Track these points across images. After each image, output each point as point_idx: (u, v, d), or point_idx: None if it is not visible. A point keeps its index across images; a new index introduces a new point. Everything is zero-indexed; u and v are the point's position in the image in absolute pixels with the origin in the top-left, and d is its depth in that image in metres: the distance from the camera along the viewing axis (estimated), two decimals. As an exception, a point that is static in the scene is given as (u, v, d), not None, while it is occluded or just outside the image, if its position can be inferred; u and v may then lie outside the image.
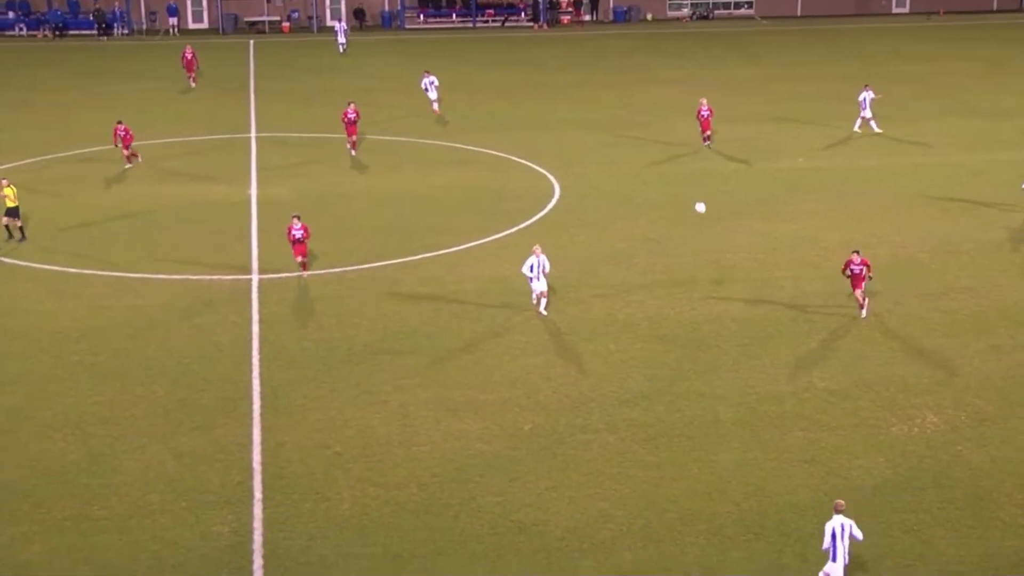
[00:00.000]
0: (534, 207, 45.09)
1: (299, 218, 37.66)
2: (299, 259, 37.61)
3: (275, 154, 53.48)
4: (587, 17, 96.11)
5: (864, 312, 34.17)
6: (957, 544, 23.68)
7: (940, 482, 25.90)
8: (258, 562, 23.07)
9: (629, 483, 25.99)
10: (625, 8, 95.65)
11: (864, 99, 55.81)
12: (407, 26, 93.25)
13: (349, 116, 52.55)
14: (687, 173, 49.20)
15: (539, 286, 35.06)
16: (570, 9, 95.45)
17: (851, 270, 34.17)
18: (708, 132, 53.16)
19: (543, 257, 35.01)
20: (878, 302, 35.46)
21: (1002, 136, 55.33)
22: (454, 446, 27.48)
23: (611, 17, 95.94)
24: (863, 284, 34.13)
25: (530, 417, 28.85)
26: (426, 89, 60.26)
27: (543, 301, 35.14)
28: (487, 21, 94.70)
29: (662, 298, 36.17)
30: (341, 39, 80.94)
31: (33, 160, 52.41)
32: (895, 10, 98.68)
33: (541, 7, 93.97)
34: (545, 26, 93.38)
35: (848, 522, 22.09)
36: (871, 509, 24.82)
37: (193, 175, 49.93)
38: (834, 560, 21.93)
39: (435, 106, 59.86)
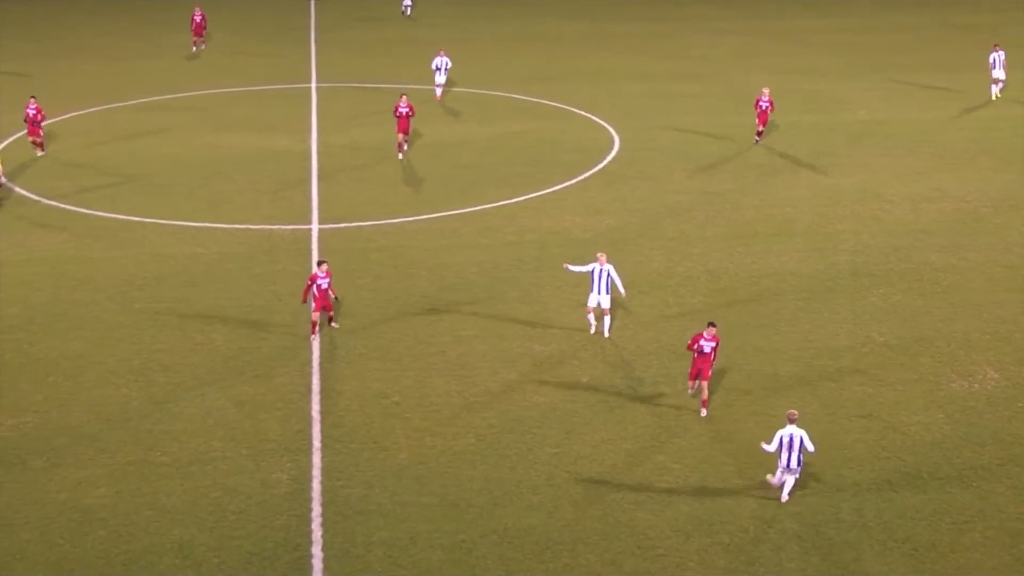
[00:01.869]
0: (593, 159, 44.96)
1: (326, 264, 30.43)
2: (322, 313, 30.47)
3: (336, 104, 53.58)
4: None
5: (704, 412, 26.81)
6: (1017, 501, 23.54)
7: (1000, 438, 25.73)
8: (316, 510, 23.33)
9: (686, 436, 26.01)
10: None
11: (994, 60, 53.07)
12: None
13: (401, 110, 44.80)
14: (747, 125, 48.75)
15: (599, 300, 30.00)
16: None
17: (699, 347, 26.55)
18: (762, 128, 46.34)
19: (608, 267, 29.90)
20: (939, 257, 35.14)
21: (1069, 89, 54.52)
22: (511, 398, 27.59)
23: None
24: (709, 368, 26.59)
25: (587, 369, 28.89)
26: (437, 69, 53.87)
27: (605, 321, 30.44)
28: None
29: (721, 251, 36.02)
30: (407, 1, 75.89)
31: (98, 109, 52.81)
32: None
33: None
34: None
35: (800, 433, 23.17)
36: (929, 465, 24.72)
37: (254, 125, 50.14)
38: (787, 466, 23.23)
39: (438, 91, 53.90)
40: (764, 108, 45.87)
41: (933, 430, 26.13)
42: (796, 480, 23.46)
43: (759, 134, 46.43)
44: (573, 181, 42.47)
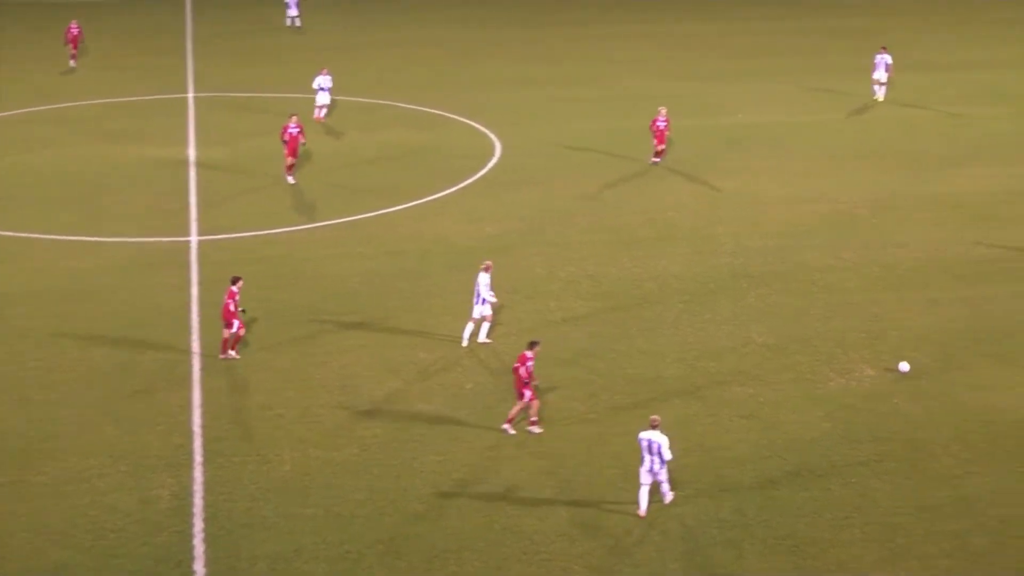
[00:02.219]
0: (475, 166, 44.98)
1: (241, 281, 29.58)
2: (232, 333, 29.31)
3: (215, 114, 52.93)
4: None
5: (508, 427, 26.29)
6: (893, 495, 23.99)
7: (877, 435, 26.20)
8: (199, 525, 23.00)
9: (570, 440, 26.11)
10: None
11: (879, 61, 53.87)
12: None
13: (291, 131, 42.26)
14: (631, 129, 49.12)
15: (480, 310, 30.27)
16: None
17: (515, 368, 26.18)
18: (662, 147, 44.66)
19: (486, 275, 30.12)
20: (817, 257, 35.74)
21: (942, 90, 55.62)
22: (395, 406, 27.48)
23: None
24: (527, 388, 25.94)
25: (471, 376, 28.89)
26: (320, 89, 50.66)
27: (484, 328, 30.60)
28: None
29: (604, 256, 36.24)
30: (292, 11, 71.99)
31: (-33, 122, 51.64)
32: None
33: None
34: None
35: (660, 439, 23.12)
36: (809, 462, 25.10)
37: (130, 137, 49.31)
38: (651, 469, 23.22)
39: (321, 112, 50.79)
40: (661, 127, 44.49)
41: (812, 428, 26.53)
42: (665, 484, 23.36)
43: (658, 154, 44.75)
44: (454, 188, 42.46)
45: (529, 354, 25.94)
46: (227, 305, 29.23)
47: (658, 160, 44.83)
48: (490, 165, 45.35)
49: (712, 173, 43.95)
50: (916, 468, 24.95)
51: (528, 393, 25.90)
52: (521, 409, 26.18)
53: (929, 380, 28.53)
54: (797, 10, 78.77)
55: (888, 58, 53.72)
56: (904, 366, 28.94)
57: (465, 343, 30.38)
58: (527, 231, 38.30)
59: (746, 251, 36.50)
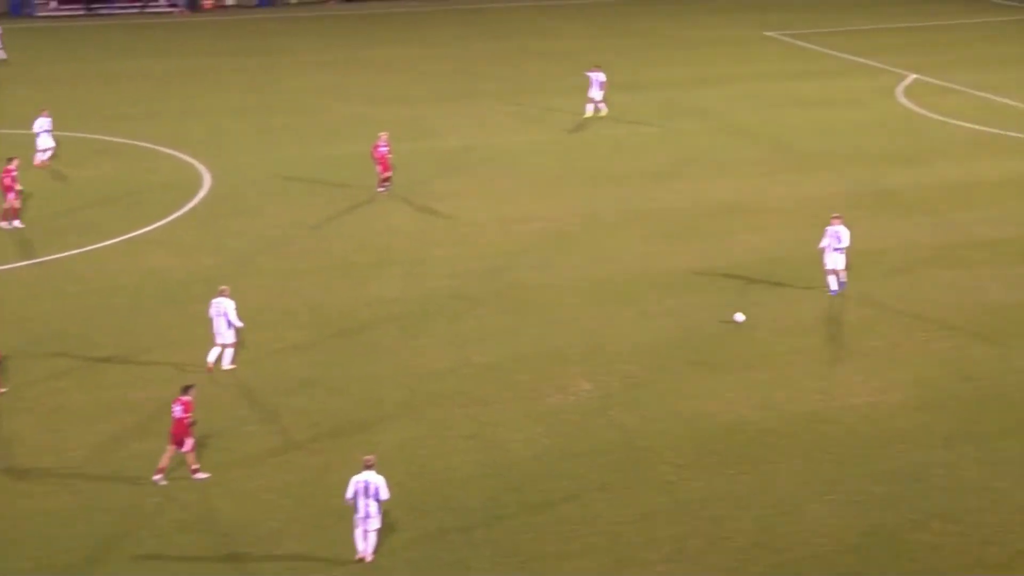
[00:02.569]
0: (184, 197, 43.98)
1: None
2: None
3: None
4: (230, 1, 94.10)
5: (199, 476, 25.22)
6: (615, 506, 24.51)
7: (596, 447, 26.76)
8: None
9: (294, 472, 25.74)
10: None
11: (593, 79, 54.95)
12: (38, 13, 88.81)
13: (12, 174, 40.26)
14: (341, 156, 49.03)
15: (224, 337, 29.89)
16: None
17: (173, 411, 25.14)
18: (388, 174, 44.15)
19: (226, 300, 29.82)
20: (531, 276, 36.33)
21: (642, 108, 57.40)
22: (110, 448, 26.53)
23: (255, 1, 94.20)
24: (185, 433, 24.96)
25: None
26: (42, 131, 47.56)
27: (227, 354, 30.18)
28: (123, 8, 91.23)
29: (320, 283, 35.97)
30: None
31: None
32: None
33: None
34: (186, 11, 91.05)
35: (377, 480, 22.28)
36: (532, 478, 25.42)
37: None
38: (366, 516, 22.22)
39: (41, 157, 47.39)
40: (383, 153, 44.04)
41: (534, 444, 26.90)
42: (378, 531, 22.52)
43: (385, 181, 44.14)
44: (164, 221, 41.41)
45: (185, 399, 24.95)
46: None
47: (385, 188, 44.27)
48: (200, 196, 44.43)
49: (425, 196, 44.19)
50: (635, 477, 25.58)
51: (189, 441, 24.98)
52: (172, 456, 25.09)
53: (643, 391, 29.34)
54: (496, 33, 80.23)
55: (601, 76, 55.18)
56: (739, 317, 31.67)
57: (210, 364, 29.92)
58: (241, 262, 37.66)
59: (461, 273, 36.82)
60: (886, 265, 37.16)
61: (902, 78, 64.26)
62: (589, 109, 55.35)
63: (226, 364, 30.26)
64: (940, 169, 47.40)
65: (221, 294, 30.13)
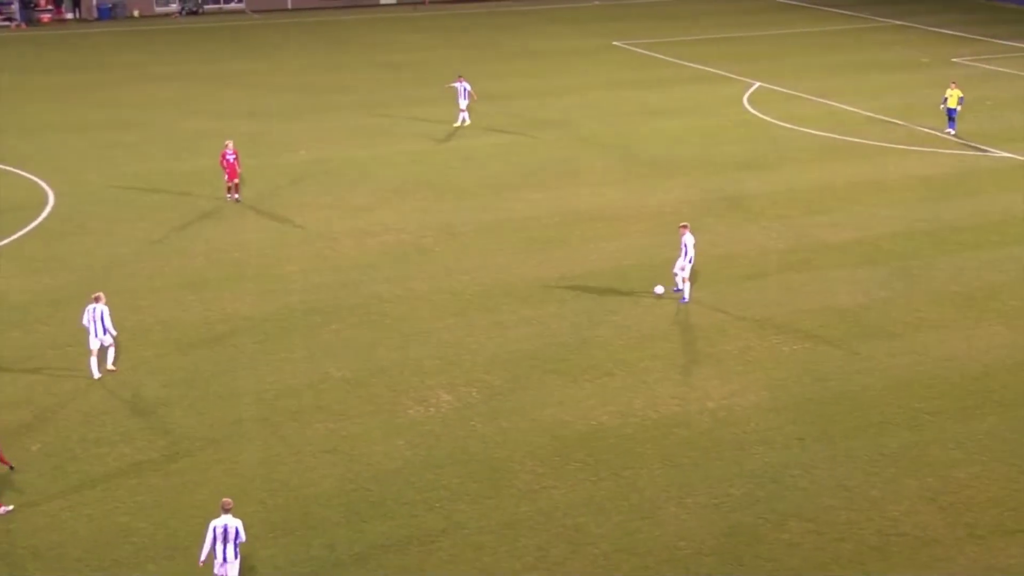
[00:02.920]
0: (27, 217, 42.81)
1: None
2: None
3: None
4: (70, 15, 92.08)
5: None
6: (478, 516, 24.51)
7: (457, 458, 26.72)
8: None
9: (150, 493, 25.22)
10: (110, 5, 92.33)
11: (460, 89, 55.32)
12: None
13: None
14: (188, 171, 48.28)
15: (99, 341, 30.22)
16: (50, 7, 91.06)
17: None
18: (236, 181, 44.34)
19: (102, 306, 30.14)
20: (387, 288, 36.17)
21: (489, 120, 57.59)
22: (-44, 476, 25.70)
23: (95, 15, 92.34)
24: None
25: (38, 436, 27.42)
26: None
27: (110, 354, 30.56)
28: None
29: (173, 301, 35.33)
30: None
31: None
32: (383, 1, 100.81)
33: (17, 5, 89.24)
34: (24, 25, 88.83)
35: (236, 523, 21.50)
36: (394, 491, 25.29)
37: None
38: (224, 561, 21.38)
39: None
40: (231, 161, 43.84)
41: (395, 457, 26.76)
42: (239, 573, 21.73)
43: (234, 189, 44.37)
44: (5, 242, 40.28)
45: None
46: None
47: (233, 196, 44.41)
48: (44, 215, 43.32)
49: (277, 211, 43.73)
50: (497, 487, 25.62)
51: None
52: None
53: (502, 400, 29.39)
54: (340, 47, 79.84)
55: (467, 85, 55.53)
56: (659, 289, 33.91)
57: (96, 375, 30.15)
58: (89, 281, 36.76)
59: (316, 287, 36.49)
60: (737, 270, 37.81)
61: (748, 86, 65.57)
62: (460, 118, 55.63)
63: (110, 364, 30.57)
64: (787, 175, 48.43)
65: (96, 300, 30.18)
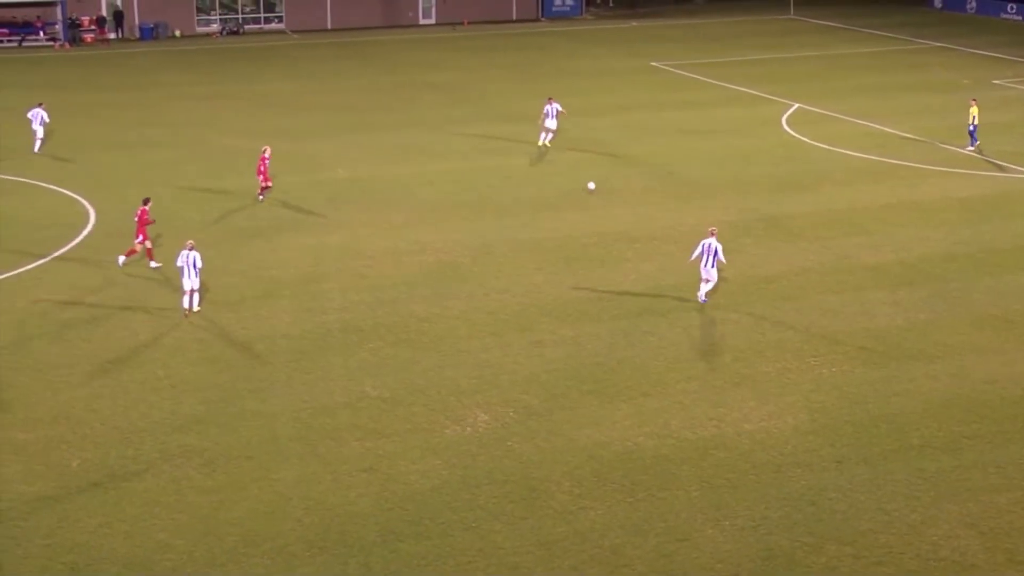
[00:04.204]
0: (69, 234, 43.17)
1: None
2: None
3: None
4: (112, 35, 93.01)
5: None
6: (514, 536, 24.46)
7: (494, 478, 26.69)
8: None
9: (187, 510, 25.30)
10: (152, 25, 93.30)
11: (548, 110, 55.41)
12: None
13: None
14: (226, 189, 48.57)
15: (191, 283, 35.33)
16: (93, 27, 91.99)
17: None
18: (268, 184, 47.08)
19: (195, 253, 35.29)
20: (424, 307, 36.21)
21: (528, 140, 57.71)
22: (-5, 490, 25.88)
23: (137, 35, 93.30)
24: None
25: (77, 453, 27.56)
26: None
27: (195, 298, 35.58)
28: (1, 41, 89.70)
29: (211, 318, 35.48)
30: None
31: None
32: (422, 21, 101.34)
33: (62, 26, 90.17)
34: (67, 45, 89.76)
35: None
36: (431, 511, 25.27)
37: None
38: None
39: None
40: (267, 165, 46.68)
41: (431, 476, 26.75)
42: None
43: (264, 189, 46.99)
44: (48, 258, 40.60)
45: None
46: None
47: (264, 195, 47.12)
48: (86, 231, 43.66)
49: (314, 229, 43.92)
50: (533, 507, 25.56)
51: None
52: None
53: (539, 421, 29.34)
54: (378, 66, 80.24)
55: (557, 106, 55.68)
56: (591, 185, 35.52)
57: (186, 311, 35.37)
58: (130, 297, 37.01)
59: (354, 305, 36.59)
60: (774, 291, 37.67)
61: (786, 107, 65.45)
62: (543, 137, 55.85)
63: (195, 307, 35.41)
64: (824, 195, 48.26)
65: (190, 248, 35.34)
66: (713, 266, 35.84)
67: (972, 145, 54.85)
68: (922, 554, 23.91)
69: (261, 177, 46.79)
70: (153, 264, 39.29)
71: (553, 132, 55.80)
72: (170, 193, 48.57)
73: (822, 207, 46.68)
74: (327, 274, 39.32)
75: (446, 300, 37.04)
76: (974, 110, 54.77)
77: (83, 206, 46.86)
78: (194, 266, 35.20)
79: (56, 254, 41.10)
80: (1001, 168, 52.65)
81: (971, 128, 54.81)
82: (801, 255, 41.04)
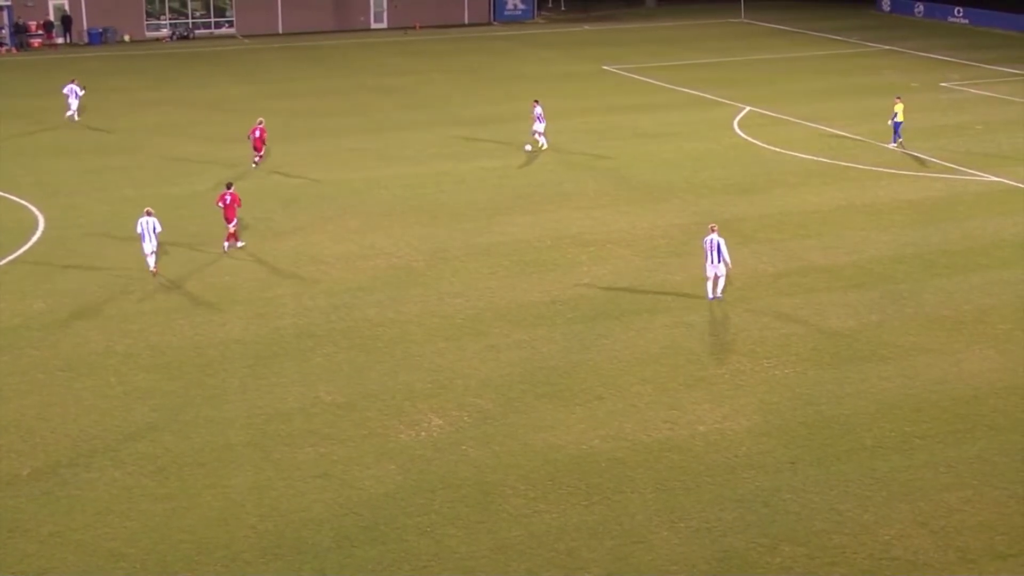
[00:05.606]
0: (17, 241, 42.76)
1: None
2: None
3: None
4: (60, 40, 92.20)
5: None
6: (469, 540, 24.44)
7: (449, 482, 26.66)
8: None
9: (140, 518, 25.12)
10: (100, 30, 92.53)
11: (537, 113, 55.73)
12: None
13: None
14: (178, 195, 48.29)
15: (150, 246, 38.83)
16: (40, 32, 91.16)
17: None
18: (262, 152, 53.17)
19: (153, 219, 38.85)
20: (379, 312, 36.14)
21: (481, 144, 57.77)
22: (-57, 502, 25.60)
23: (86, 39, 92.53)
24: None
25: (28, 462, 27.31)
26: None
27: (151, 260, 39.04)
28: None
29: (163, 325, 35.26)
30: None
31: None
32: (374, 25, 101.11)
33: (8, 30, 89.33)
34: (14, 50, 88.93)
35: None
36: (386, 516, 25.22)
37: None
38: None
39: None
40: (257, 136, 52.48)
41: (386, 482, 26.69)
42: None
43: (260, 158, 53.13)
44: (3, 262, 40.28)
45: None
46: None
47: (258, 163, 53.09)
48: (34, 239, 43.28)
49: (267, 234, 43.73)
50: (488, 511, 25.55)
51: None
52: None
53: (494, 425, 29.33)
54: (331, 71, 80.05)
55: (539, 109, 55.95)
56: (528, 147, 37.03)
57: (153, 269, 39.00)
58: (80, 305, 36.73)
59: (308, 311, 36.46)
60: (728, 293, 37.80)
61: (738, 110, 65.78)
62: (541, 142, 56.07)
63: (152, 267, 39.03)
64: (778, 198, 48.55)
65: (148, 214, 38.94)
66: (719, 261, 36.50)
67: (894, 142, 56.96)
68: (875, 554, 24.09)
69: (255, 146, 52.50)
70: (240, 244, 42.28)
71: (540, 135, 56.13)
72: (122, 199, 48.18)
73: (774, 209, 46.96)
74: (281, 280, 39.17)
75: (400, 305, 36.97)
76: (899, 107, 56.76)
77: (31, 212, 46.43)
78: (153, 231, 38.70)
79: (4, 261, 40.70)
80: (951, 171, 53.10)
81: (892, 123, 57.01)
82: (753, 257, 41.26)
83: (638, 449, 28.18)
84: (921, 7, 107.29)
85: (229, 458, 27.63)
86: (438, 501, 25.88)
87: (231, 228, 41.83)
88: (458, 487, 26.46)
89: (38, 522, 24.87)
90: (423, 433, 28.91)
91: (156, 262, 39.17)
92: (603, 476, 26.95)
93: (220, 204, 41.75)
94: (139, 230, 38.96)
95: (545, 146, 56.03)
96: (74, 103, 62.69)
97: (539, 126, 55.77)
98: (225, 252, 41.48)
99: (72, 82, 63.37)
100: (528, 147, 49.92)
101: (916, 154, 55.51)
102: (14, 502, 25.58)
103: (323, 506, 25.65)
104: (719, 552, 24.12)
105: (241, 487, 26.34)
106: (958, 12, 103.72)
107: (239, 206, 41.92)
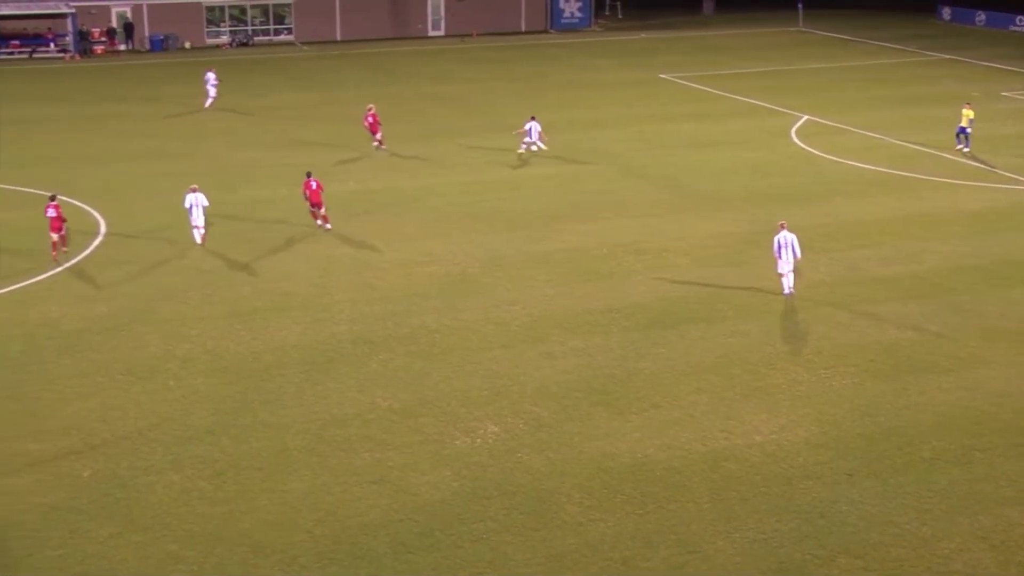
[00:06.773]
0: (79, 246, 43.23)
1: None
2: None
3: None
4: (122, 46, 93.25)
5: None
6: (524, 548, 24.44)
7: (504, 489, 26.67)
8: None
9: (198, 521, 25.31)
10: (162, 36, 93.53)
11: (530, 128, 55.94)
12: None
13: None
14: (236, 201, 48.66)
15: (198, 220, 42.70)
16: (103, 39, 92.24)
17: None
18: (379, 134, 57.36)
19: (200, 195, 42.60)
20: (435, 319, 36.23)
21: (540, 152, 57.73)
22: (5, 502, 25.87)
23: (148, 46, 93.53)
24: None
25: (88, 463, 27.60)
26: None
27: (197, 235, 42.74)
28: (12, 53, 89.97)
29: (221, 330, 35.52)
30: None
31: None
32: (431, 33, 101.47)
33: (72, 37, 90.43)
34: (78, 57, 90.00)
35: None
36: (441, 522, 25.26)
37: None
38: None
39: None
40: (371, 122, 56.93)
41: (442, 488, 26.74)
42: None
43: (379, 141, 57.38)
44: (59, 269, 40.68)
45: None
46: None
47: (380, 146, 57.43)
48: (95, 244, 43.75)
49: (325, 241, 43.96)
50: (543, 519, 25.54)
51: None
52: None
53: (549, 432, 29.32)
54: (390, 79, 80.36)
55: (538, 125, 56.06)
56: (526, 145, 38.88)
57: (199, 243, 42.80)
58: (139, 310, 37.09)
59: (364, 317, 36.61)
60: (785, 303, 37.61)
61: (795, 119, 65.46)
62: (524, 147, 56.27)
63: (199, 239, 42.62)
64: (835, 208, 48.25)
65: (193, 191, 42.44)
66: (793, 257, 37.37)
67: (961, 145, 56.95)
68: (933, 567, 23.85)
69: (372, 131, 56.96)
70: (327, 226, 45.01)
71: (531, 144, 56.08)
72: (174, 204, 48.47)
73: (831, 219, 46.66)
74: (337, 285, 39.36)
75: (456, 311, 37.05)
76: (968, 112, 56.61)
77: (93, 217, 46.95)
78: (199, 206, 42.26)
79: (66, 265, 41.17)
80: (1013, 180, 52.56)
81: (961, 129, 56.84)
82: (811, 267, 40.99)
83: (694, 458, 28.08)
84: (983, 16, 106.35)
85: (286, 463, 27.80)
86: (493, 508, 25.90)
87: (322, 211, 44.80)
88: (513, 494, 26.47)
89: (99, 523, 25.11)
90: (479, 440, 28.94)
91: (203, 235, 42.61)
92: (658, 485, 26.88)
93: (306, 191, 44.62)
94: (187, 204, 42.52)
95: (536, 150, 56.08)
96: (212, 91, 67.81)
97: (533, 137, 55.85)
98: (328, 230, 44.88)
99: (210, 71, 69.13)
100: (529, 148, 55.09)
101: (977, 163, 54.99)
102: (75, 503, 25.85)
103: (379, 512, 25.74)
104: (775, 563, 23.97)
105: (298, 492, 26.48)
106: (1020, 21, 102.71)
107: (323, 191, 44.93)
